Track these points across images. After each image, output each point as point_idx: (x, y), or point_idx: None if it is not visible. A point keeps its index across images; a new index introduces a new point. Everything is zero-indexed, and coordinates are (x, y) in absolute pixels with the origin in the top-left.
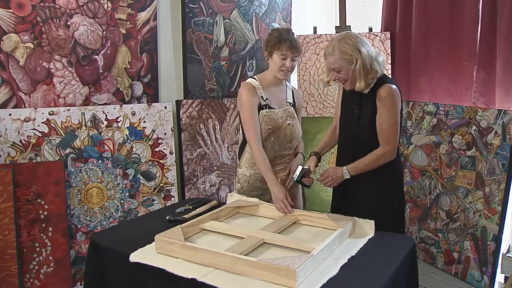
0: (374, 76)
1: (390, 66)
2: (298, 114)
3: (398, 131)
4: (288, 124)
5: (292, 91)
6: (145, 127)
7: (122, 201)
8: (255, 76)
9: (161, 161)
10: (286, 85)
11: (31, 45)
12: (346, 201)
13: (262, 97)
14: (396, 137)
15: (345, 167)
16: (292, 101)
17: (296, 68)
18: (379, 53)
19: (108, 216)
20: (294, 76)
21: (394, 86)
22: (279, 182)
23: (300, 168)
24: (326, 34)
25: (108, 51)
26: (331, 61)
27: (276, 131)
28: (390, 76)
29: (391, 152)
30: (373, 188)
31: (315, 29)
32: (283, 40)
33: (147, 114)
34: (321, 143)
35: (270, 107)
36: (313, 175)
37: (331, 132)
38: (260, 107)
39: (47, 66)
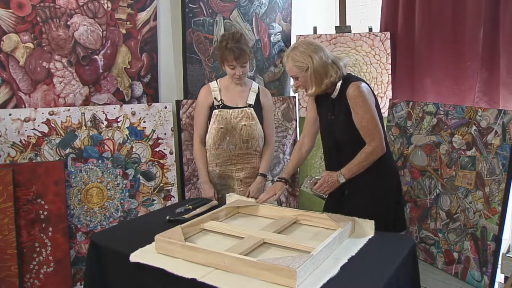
0: (331, 81)
1: (390, 66)
2: (265, 114)
3: (379, 125)
4: (244, 124)
5: (258, 93)
6: (145, 127)
7: (122, 201)
8: (218, 80)
9: (161, 161)
10: (251, 87)
11: (31, 45)
12: (344, 203)
13: (215, 98)
14: (379, 130)
15: (338, 171)
16: (253, 103)
17: None
18: (340, 57)
19: (108, 216)
20: None
21: (362, 83)
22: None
23: (308, 177)
24: (326, 34)
25: (108, 51)
26: (288, 69)
27: (231, 130)
28: (390, 76)
29: (379, 147)
30: (370, 188)
31: (315, 29)
32: (228, 51)
33: (147, 114)
34: (289, 166)
35: (224, 107)
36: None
37: (298, 152)
38: (214, 108)
39: (47, 66)
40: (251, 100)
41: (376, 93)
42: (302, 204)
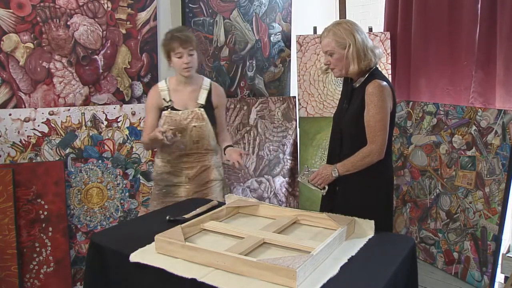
0: (367, 65)
1: (390, 66)
2: (218, 112)
3: (386, 129)
4: (194, 126)
5: (210, 90)
6: None
7: (122, 201)
8: (167, 78)
9: None
10: (202, 85)
11: (31, 45)
12: (335, 200)
13: (164, 99)
14: (383, 135)
15: (334, 165)
16: (203, 102)
17: (296, 68)
18: (376, 46)
19: (108, 216)
20: (294, 76)
21: (384, 83)
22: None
23: (305, 168)
24: None
25: (108, 51)
26: (325, 43)
27: (181, 131)
28: (390, 76)
29: (377, 151)
30: (360, 189)
31: (315, 29)
32: (173, 40)
33: None
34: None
35: (173, 108)
36: (304, 177)
37: None
38: (163, 108)
39: (47, 66)
40: (202, 99)
41: None
42: (302, 204)
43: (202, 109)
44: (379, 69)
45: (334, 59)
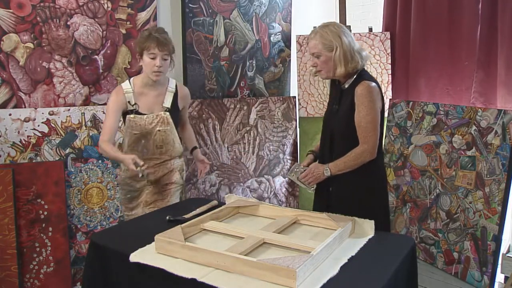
0: (355, 67)
1: (390, 66)
2: (183, 112)
3: (377, 129)
4: (159, 130)
5: (176, 93)
6: None
7: None
8: (131, 79)
9: None
10: (167, 88)
11: (31, 45)
12: (329, 200)
13: (129, 102)
14: (374, 135)
15: (326, 165)
16: (169, 106)
17: (296, 68)
18: (363, 48)
19: (108, 216)
20: (294, 76)
21: (372, 84)
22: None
23: (295, 165)
24: None
25: (108, 51)
26: (311, 45)
27: (145, 135)
28: (390, 76)
29: (369, 151)
30: (354, 188)
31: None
32: (151, 39)
33: None
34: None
35: (138, 113)
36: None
37: None
38: (127, 112)
39: (47, 66)
40: (168, 103)
41: None
42: (302, 204)
43: (167, 113)
44: (376, 70)
45: (321, 61)
